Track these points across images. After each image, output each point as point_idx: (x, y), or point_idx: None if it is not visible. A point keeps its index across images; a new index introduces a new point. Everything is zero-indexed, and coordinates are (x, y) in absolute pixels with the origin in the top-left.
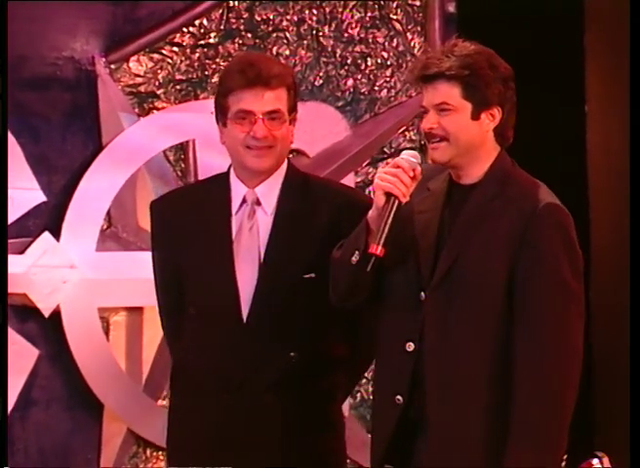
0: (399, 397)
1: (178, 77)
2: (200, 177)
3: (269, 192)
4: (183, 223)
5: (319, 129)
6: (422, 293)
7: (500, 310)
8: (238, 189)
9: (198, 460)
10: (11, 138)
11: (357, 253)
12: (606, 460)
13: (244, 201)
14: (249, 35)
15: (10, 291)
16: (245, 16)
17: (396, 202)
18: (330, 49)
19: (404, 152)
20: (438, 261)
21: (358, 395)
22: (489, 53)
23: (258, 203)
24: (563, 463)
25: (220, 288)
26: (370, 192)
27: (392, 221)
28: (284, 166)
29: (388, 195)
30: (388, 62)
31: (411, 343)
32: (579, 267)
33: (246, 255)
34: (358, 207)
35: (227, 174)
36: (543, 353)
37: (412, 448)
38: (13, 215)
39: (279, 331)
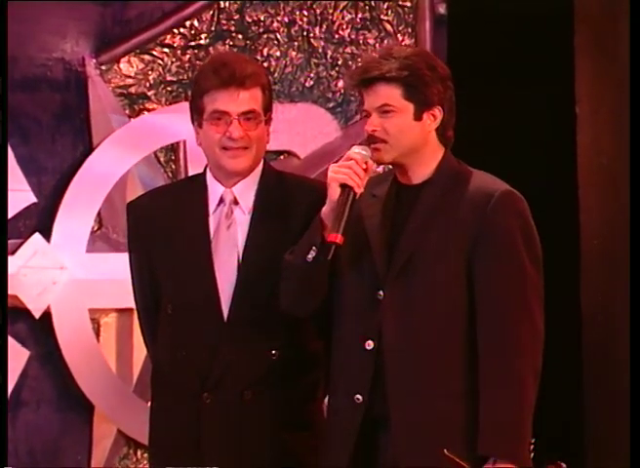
0: (358, 396)
1: (168, 78)
2: None
3: (246, 191)
4: (160, 224)
5: (310, 130)
6: (380, 292)
7: (460, 302)
8: (215, 189)
9: (179, 459)
10: None
11: (314, 248)
12: None
13: (221, 200)
14: (239, 36)
15: None
16: (236, 17)
17: (351, 193)
18: (320, 50)
19: (355, 146)
20: (393, 259)
21: None
22: (426, 54)
23: (235, 202)
24: (531, 446)
25: (200, 287)
26: None
27: (349, 211)
28: (260, 165)
29: (343, 187)
30: None
31: (370, 342)
32: (536, 252)
33: (224, 255)
34: None
35: (204, 174)
36: (505, 342)
37: (373, 448)
38: None
39: (259, 330)
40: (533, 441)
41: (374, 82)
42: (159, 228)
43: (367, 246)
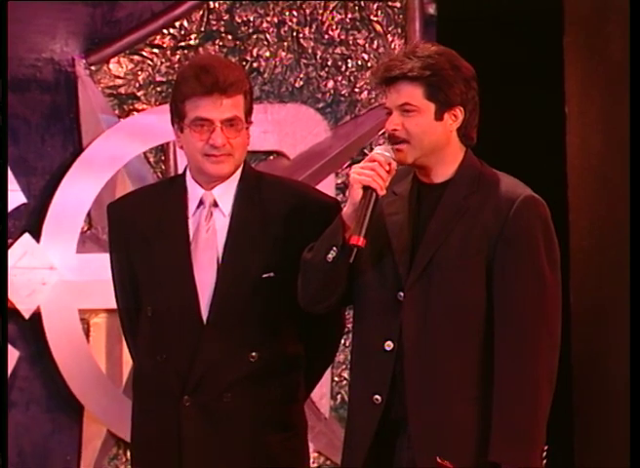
0: (377, 396)
1: (158, 79)
2: None
3: (226, 194)
4: (140, 225)
5: (299, 130)
6: (401, 293)
7: (479, 306)
8: (195, 191)
9: (160, 462)
10: None
11: (335, 248)
12: None
13: (201, 203)
14: (229, 37)
15: None
16: (225, 17)
17: (374, 195)
18: (310, 50)
19: (378, 147)
20: (414, 261)
21: (338, 397)
22: (450, 53)
23: (215, 205)
24: (544, 453)
25: (179, 290)
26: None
27: (371, 214)
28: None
29: (366, 188)
30: (369, 64)
31: (390, 342)
32: (556, 257)
33: (204, 257)
34: (313, 205)
35: (184, 175)
36: (521, 347)
37: (389, 449)
38: None
39: (239, 332)
40: (546, 448)
41: (396, 80)
42: (139, 229)
43: (388, 246)
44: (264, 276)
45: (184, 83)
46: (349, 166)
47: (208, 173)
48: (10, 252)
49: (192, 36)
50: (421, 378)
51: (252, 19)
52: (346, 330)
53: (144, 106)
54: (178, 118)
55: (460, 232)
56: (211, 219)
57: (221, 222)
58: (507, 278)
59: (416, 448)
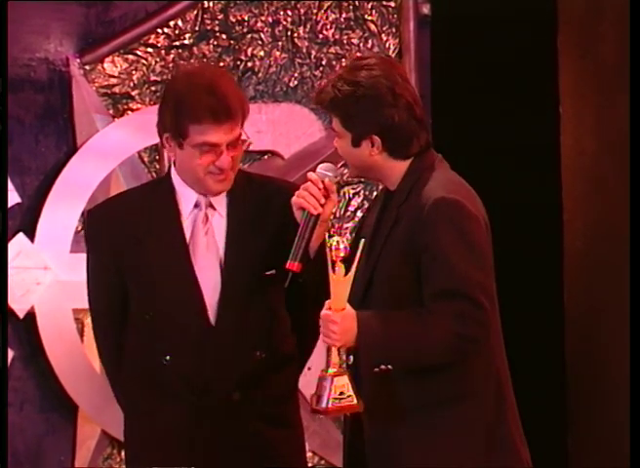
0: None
1: (152, 78)
2: None
3: (220, 195)
4: (126, 228)
5: (294, 130)
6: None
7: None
8: (186, 193)
9: (170, 461)
10: None
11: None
12: None
13: (196, 205)
14: (223, 36)
15: None
16: (219, 17)
17: (309, 216)
18: (305, 50)
19: (320, 165)
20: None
21: None
22: (372, 81)
23: (211, 207)
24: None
25: (183, 292)
26: (343, 193)
27: (309, 236)
28: None
29: (303, 210)
30: None
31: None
32: (479, 257)
33: (205, 259)
34: None
35: (168, 177)
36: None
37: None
38: None
39: (245, 331)
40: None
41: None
42: (125, 232)
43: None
44: (267, 274)
45: (190, 103)
46: (343, 166)
47: (211, 189)
48: None
49: (187, 36)
50: (368, 384)
51: (246, 18)
52: None
53: (139, 106)
54: (177, 134)
55: (389, 242)
56: (208, 221)
57: (219, 224)
58: (425, 285)
59: (367, 453)
